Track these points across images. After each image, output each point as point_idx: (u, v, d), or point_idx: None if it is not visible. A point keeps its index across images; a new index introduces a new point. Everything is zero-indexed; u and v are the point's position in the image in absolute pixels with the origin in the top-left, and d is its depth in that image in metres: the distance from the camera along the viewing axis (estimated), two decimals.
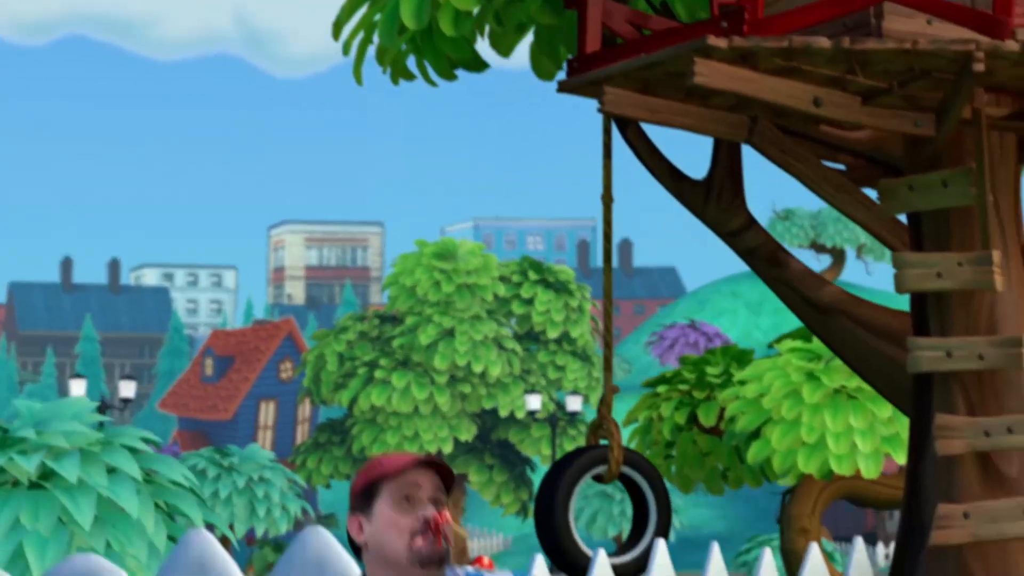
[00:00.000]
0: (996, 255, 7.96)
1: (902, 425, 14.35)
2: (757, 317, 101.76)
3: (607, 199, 8.72)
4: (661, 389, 14.88)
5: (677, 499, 68.26)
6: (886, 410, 14.41)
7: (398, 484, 3.18)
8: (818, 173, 8.25)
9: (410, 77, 9.23)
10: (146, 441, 10.96)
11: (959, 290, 7.95)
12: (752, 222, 8.48)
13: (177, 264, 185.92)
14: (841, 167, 8.87)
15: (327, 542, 4.23)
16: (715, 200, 8.44)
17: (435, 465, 3.24)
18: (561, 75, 12.52)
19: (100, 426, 33.53)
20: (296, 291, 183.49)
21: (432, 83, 9.13)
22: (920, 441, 8.13)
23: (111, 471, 10.57)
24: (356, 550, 3.26)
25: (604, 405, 7.66)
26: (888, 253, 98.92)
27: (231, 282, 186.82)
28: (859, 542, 13.39)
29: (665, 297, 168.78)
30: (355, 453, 49.14)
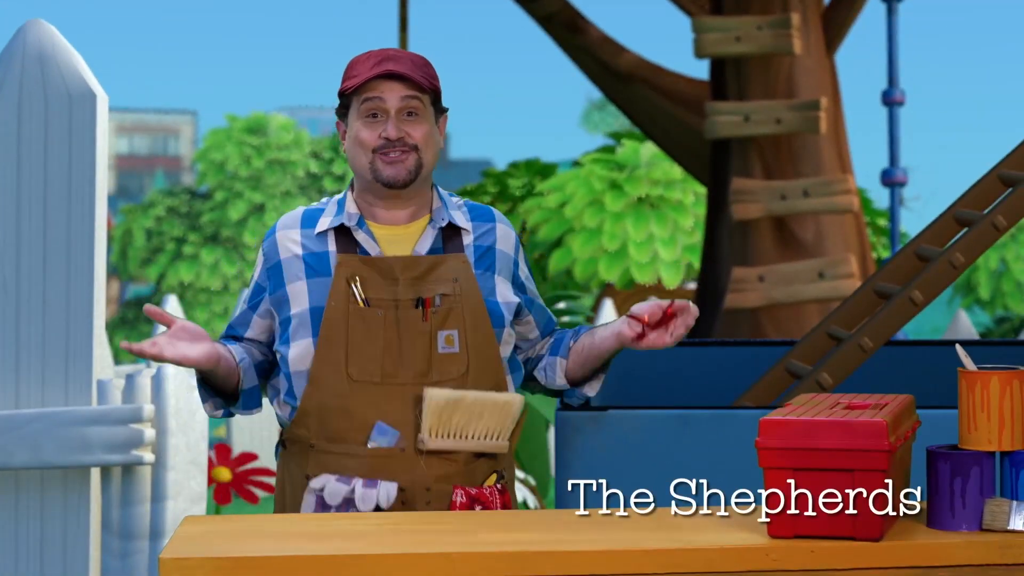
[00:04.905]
0: (795, 18, 7.88)
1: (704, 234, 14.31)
2: None
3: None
4: None
5: None
6: (688, 219, 14.39)
7: (362, 97, 2.97)
8: None
9: None
10: None
11: (758, 54, 7.85)
12: None
13: None
14: None
15: (51, 35, 3.92)
16: None
17: (401, 76, 2.95)
18: None
19: None
20: (107, 180, 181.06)
21: None
22: (717, 207, 8.06)
23: None
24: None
25: None
26: None
27: None
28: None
29: None
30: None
